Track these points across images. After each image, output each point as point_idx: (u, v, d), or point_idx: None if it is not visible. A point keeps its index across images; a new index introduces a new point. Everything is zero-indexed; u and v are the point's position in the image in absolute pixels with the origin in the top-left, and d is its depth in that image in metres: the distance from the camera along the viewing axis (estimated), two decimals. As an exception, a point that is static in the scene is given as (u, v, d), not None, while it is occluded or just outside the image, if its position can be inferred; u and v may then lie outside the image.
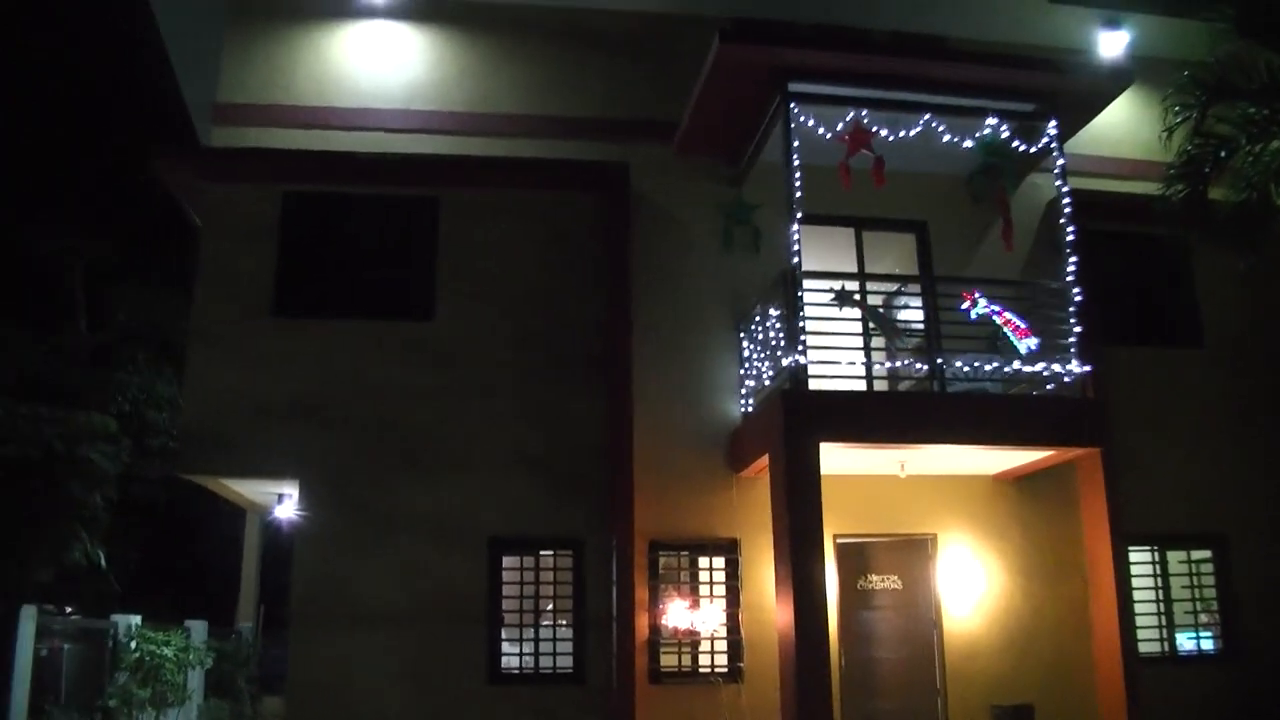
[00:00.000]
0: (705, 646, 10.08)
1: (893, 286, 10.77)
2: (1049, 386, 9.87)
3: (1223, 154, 10.00)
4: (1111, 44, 11.93)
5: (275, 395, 10.06)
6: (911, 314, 10.28)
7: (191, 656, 12.78)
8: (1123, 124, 12.01)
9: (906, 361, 9.90)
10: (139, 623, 12.32)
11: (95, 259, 14.42)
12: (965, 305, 9.70)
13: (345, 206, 10.67)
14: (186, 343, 10.43)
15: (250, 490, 11.72)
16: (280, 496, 11.62)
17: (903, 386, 10.36)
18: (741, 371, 10.59)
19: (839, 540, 10.27)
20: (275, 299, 10.35)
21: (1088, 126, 11.05)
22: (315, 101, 11.13)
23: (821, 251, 10.40)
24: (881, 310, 10.17)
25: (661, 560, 10.21)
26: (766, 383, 9.92)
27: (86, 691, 11.29)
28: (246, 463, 10.13)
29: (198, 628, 14.34)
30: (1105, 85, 10.49)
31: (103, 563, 9.01)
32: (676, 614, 10.01)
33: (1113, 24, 11.97)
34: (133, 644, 11.97)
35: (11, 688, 10.09)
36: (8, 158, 16.57)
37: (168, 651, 11.92)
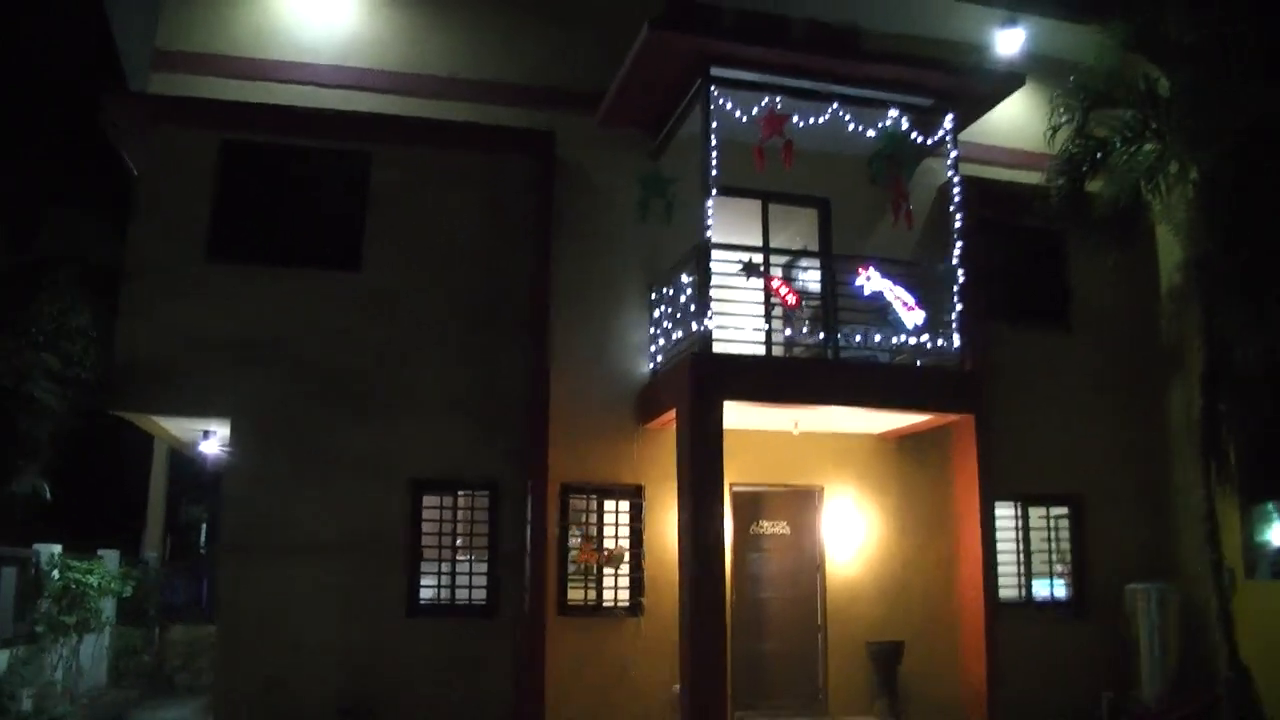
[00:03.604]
0: (609, 583, 10.93)
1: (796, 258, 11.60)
2: (931, 358, 10.83)
3: (1099, 155, 11.01)
4: (1009, 41, 12.66)
5: (209, 336, 10.44)
6: (809, 284, 11.13)
7: (113, 585, 13.18)
8: (1014, 117, 12.90)
9: (805, 330, 10.74)
10: (59, 552, 12.64)
11: (18, 182, 14.36)
12: (859, 280, 10.58)
13: (281, 157, 11.02)
14: (120, 281, 10.68)
15: (177, 427, 12.09)
16: (205, 433, 12.01)
17: (797, 352, 11.23)
18: (652, 332, 11.35)
19: (734, 489, 11.09)
20: (210, 243, 10.68)
21: (981, 118, 11.99)
22: (253, 53, 11.37)
23: (729, 219, 11.08)
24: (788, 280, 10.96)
25: (572, 502, 10.99)
26: (676, 344, 10.70)
27: (12, 617, 11.61)
28: (179, 401, 10.53)
29: (110, 557, 14.64)
30: (998, 86, 11.39)
31: (47, 495, 9.42)
32: (584, 552, 10.82)
33: (1011, 22, 12.79)
34: (55, 572, 12.31)
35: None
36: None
37: (92, 580, 12.30)
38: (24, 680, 11.19)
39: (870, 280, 10.50)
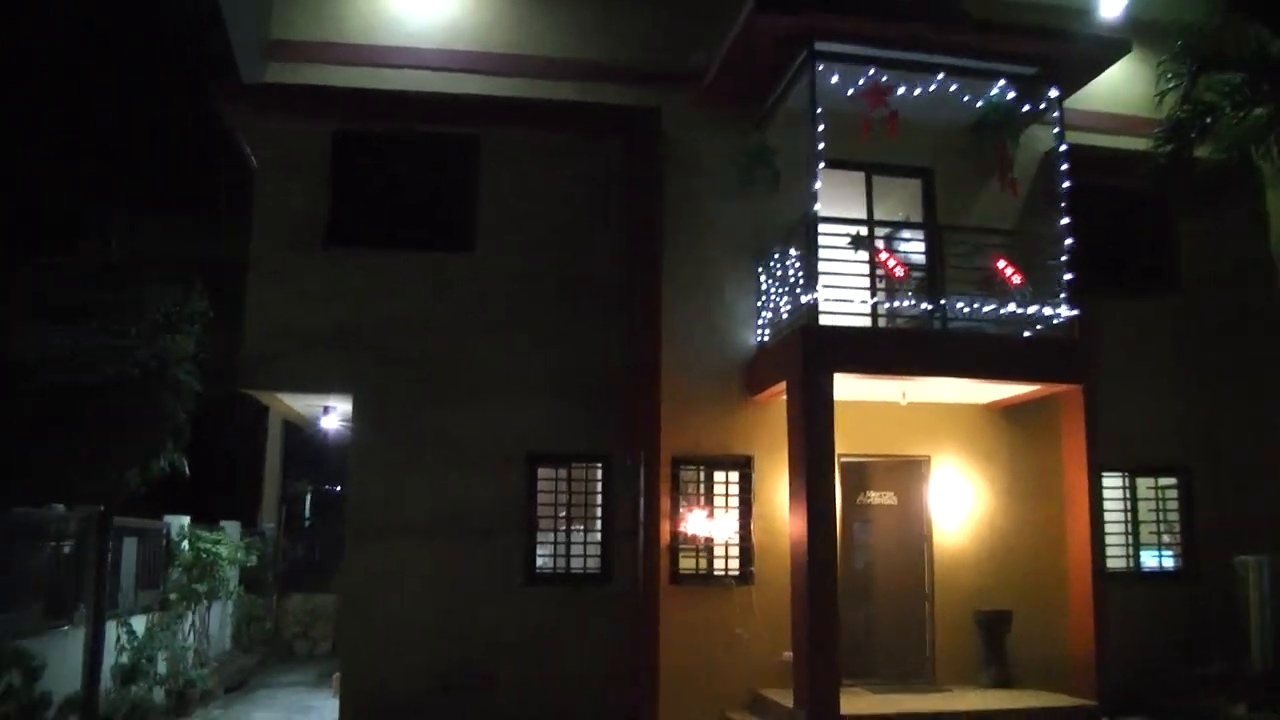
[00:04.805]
0: (720, 552, 11.15)
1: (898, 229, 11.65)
2: (1039, 327, 10.82)
3: (1208, 120, 10.86)
4: (1112, 5, 12.57)
5: (329, 318, 10.85)
6: (913, 255, 11.17)
7: (239, 555, 13.80)
8: (1117, 81, 12.67)
9: (910, 301, 10.81)
10: (188, 523, 13.28)
11: (127, 183, 14.93)
12: (966, 251, 10.60)
13: (392, 142, 11.32)
14: (245, 268, 11.13)
15: (299, 403, 12.59)
16: (325, 408, 12.49)
17: (902, 324, 11.28)
18: (759, 304, 11.51)
19: (843, 459, 11.10)
20: (328, 229, 11.06)
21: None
22: (362, 40, 11.70)
23: (831, 192, 11.07)
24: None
25: (682, 474, 11.22)
26: (784, 316, 10.82)
27: (148, 585, 12.25)
28: (302, 379, 10.97)
29: (231, 528, 15.33)
30: (1104, 53, 11.26)
31: (186, 470, 9.94)
32: (695, 522, 11.07)
33: (1115, -15, 12.62)
34: (184, 543, 12.94)
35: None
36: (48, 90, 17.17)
37: (221, 550, 12.92)
38: (161, 644, 11.83)
39: (977, 251, 10.51)
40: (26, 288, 9.86)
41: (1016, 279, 10.59)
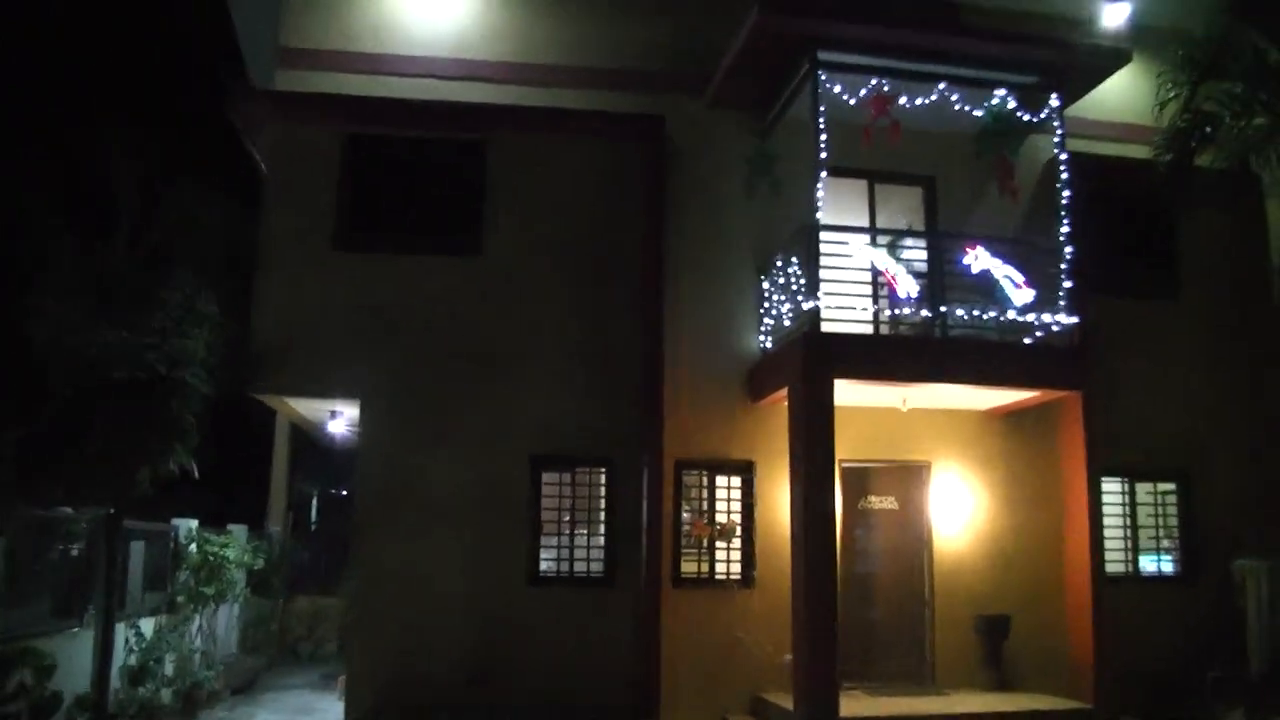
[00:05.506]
0: (722, 556, 11.26)
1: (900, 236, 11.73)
2: (1039, 334, 10.91)
3: (1208, 129, 10.95)
4: (1114, 13, 12.61)
5: (338, 322, 11.00)
6: (915, 262, 11.24)
7: (246, 558, 13.92)
8: (1119, 89, 12.73)
9: (911, 309, 10.90)
10: (196, 527, 13.39)
11: (141, 177, 15.01)
12: (967, 259, 10.69)
13: (401, 148, 11.47)
14: (247, 270, 11.25)
15: (307, 408, 12.71)
16: (332, 413, 12.59)
17: (903, 331, 11.38)
18: (761, 310, 11.62)
19: (844, 464, 11.24)
20: (337, 233, 11.20)
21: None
22: (371, 48, 11.83)
23: (835, 198, 11.18)
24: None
25: (685, 478, 11.33)
26: (786, 322, 10.93)
27: (155, 587, 12.37)
28: (312, 383, 11.11)
29: (239, 531, 15.43)
30: (1105, 62, 11.38)
31: (195, 472, 10.05)
32: (696, 527, 11.18)
33: (1117, -5, 12.68)
34: (192, 546, 13.05)
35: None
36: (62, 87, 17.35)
37: (229, 553, 13.03)
38: (169, 646, 11.94)
39: (978, 259, 10.60)
40: (61, 271, 9.98)
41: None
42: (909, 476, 11.85)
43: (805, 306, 10.34)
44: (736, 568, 11.26)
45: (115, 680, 10.58)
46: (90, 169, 16.16)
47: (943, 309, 10.64)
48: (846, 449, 10.76)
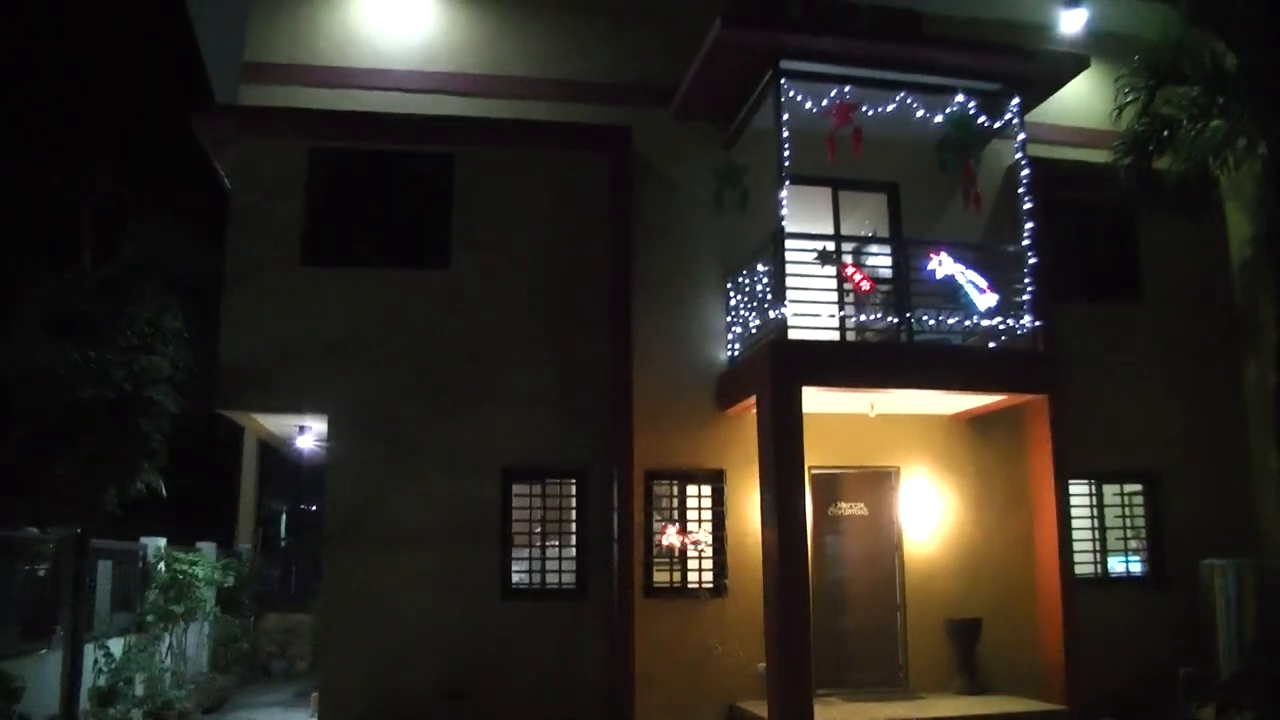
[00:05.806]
0: (694, 565, 11.28)
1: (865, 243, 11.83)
2: (1004, 338, 10.98)
3: (1166, 133, 11.13)
4: (1072, 21, 12.74)
5: (306, 337, 10.91)
6: (880, 269, 11.33)
7: (216, 575, 13.83)
8: (1079, 95, 12.92)
9: (877, 315, 10.97)
10: (165, 545, 13.30)
11: (104, 195, 14.97)
12: (931, 265, 10.78)
13: (367, 161, 11.44)
14: (214, 287, 11.19)
15: (275, 423, 12.64)
16: (300, 428, 12.53)
17: (870, 337, 11.44)
18: (729, 320, 11.66)
19: (813, 471, 11.25)
20: (304, 247, 11.14)
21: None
22: (337, 62, 11.80)
23: (800, 206, 11.28)
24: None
25: (655, 488, 11.35)
26: (754, 331, 10.98)
27: (123, 607, 12.28)
28: (279, 399, 11.01)
29: (208, 549, 15.34)
30: (1064, 68, 11.49)
31: (163, 491, 9.99)
32: (669, 536, 11.20)
33: (1074, 2, 12.85)
34: (161, 565, 12.96)
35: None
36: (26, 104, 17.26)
37: (198, 571, 12.94)
38: (138, 666, 11.85)
39: (942, 265, 10.69)
40: (36, 296, 9.94)
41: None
42: (878, 482, 11.91)
43: (772, 315, 10.39)
44: (709, 576, 11.27)
45: (84, 701, 10.48)
46: (54, 186, 16.17)
47: (908, 315, 10.71)
48: (816, 456, 10.79)
